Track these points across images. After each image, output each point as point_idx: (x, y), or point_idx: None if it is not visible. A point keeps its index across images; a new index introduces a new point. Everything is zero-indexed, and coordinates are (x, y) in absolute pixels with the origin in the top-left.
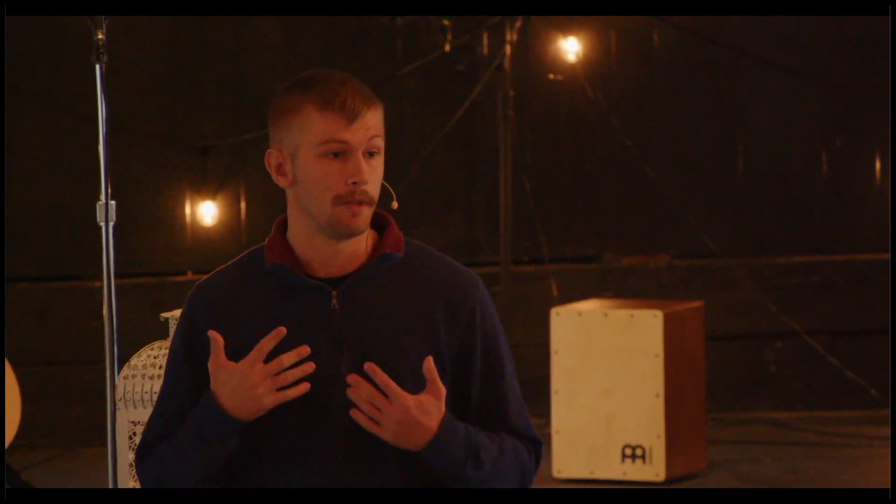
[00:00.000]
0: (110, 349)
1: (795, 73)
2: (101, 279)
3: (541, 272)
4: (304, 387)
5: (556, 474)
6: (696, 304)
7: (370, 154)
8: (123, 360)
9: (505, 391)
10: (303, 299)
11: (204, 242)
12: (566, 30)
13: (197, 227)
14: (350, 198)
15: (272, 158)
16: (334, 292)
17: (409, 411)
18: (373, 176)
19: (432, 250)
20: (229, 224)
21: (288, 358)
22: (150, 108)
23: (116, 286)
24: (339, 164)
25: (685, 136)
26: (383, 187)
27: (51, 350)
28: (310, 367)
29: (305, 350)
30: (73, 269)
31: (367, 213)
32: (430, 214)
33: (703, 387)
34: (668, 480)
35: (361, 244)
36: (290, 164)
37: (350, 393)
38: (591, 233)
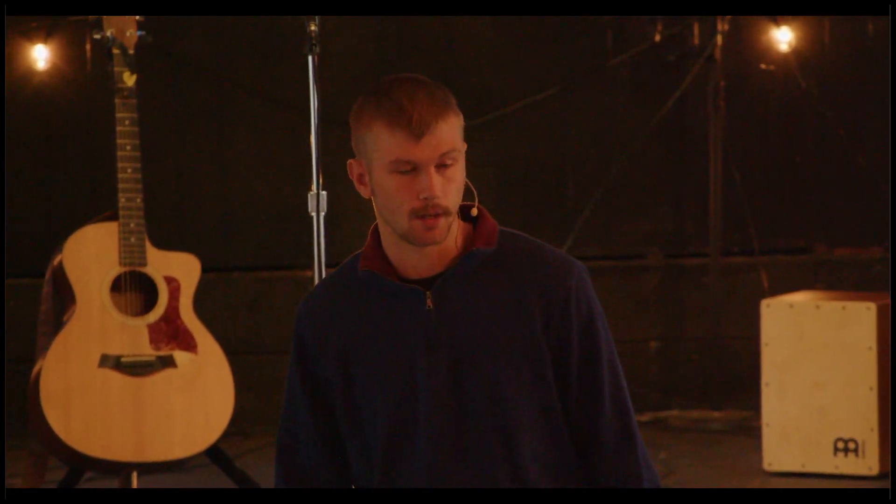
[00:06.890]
0: None
1: None
2: (312, 269)
3: (751, 264)
4: None
5: (766, 467)
6: None
7: (444, 165)
8: None
9: (601, 385)
10: (398, 303)
11: None
12: (779, 19)
13: None
14: (424, 211)
15: (354, 169)
16: (428, 293)
17: None
18: (448, 187)
19: (528, 239)
20: None
21: None
22: None
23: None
24: (410, 179)
25: None
26: (468, 188)
27: (263, 339)
28: None
29: None
30: (285, 258)
31: (443, 223)
32: (639, 206)
33: None
34: (882, 475)
35: (451, 241)
36: (368, 175)
37: None
38: (802, 224)
